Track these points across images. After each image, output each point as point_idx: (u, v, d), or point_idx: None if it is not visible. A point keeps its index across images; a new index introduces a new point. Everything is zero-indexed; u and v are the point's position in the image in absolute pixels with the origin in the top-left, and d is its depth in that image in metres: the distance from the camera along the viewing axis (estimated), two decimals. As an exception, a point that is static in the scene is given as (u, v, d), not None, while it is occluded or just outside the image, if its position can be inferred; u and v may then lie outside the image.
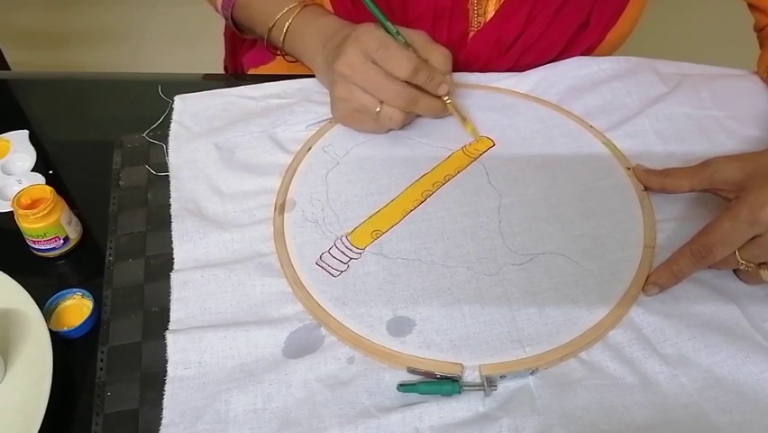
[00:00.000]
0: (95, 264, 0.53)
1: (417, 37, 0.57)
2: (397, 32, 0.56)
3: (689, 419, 0.43)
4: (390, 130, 0.59)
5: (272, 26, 0.65)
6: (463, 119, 0.59)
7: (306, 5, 0.64)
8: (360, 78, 0.54)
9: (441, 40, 0.64)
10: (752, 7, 0.69)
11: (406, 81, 0.54)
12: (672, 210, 0.54)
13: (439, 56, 0.56)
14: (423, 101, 0.56)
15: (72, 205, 0.54)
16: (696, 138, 0.61)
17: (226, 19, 0.71)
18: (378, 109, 0.55)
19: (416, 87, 0.55)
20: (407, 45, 0.56)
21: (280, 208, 0.54)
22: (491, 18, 0.64)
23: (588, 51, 0.68)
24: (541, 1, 0.63)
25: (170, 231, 0.53)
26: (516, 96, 0.63)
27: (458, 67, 0.67)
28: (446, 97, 0.57)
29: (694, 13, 1.87)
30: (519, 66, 0.67)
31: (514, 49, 0.65)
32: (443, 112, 0.58)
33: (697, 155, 0.56)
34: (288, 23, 0.64)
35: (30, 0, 1.94)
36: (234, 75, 0.86)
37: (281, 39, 0.65)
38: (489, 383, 0.44)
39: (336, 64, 0.55)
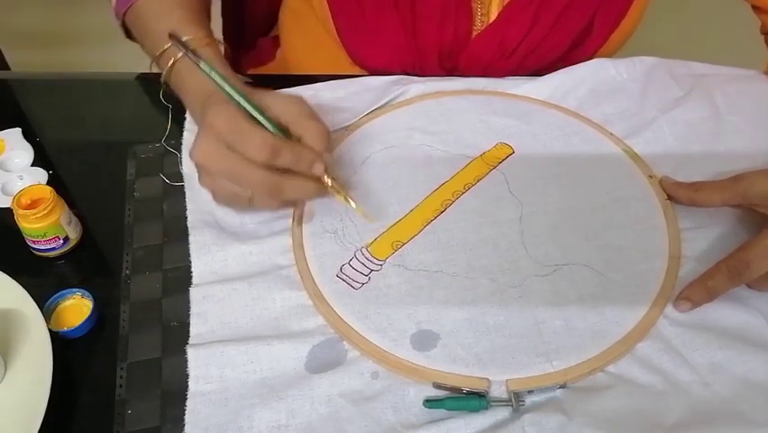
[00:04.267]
0: (95, 264, 0.53)
1: (292, 108, 0.49)
2: (256, 108, 0.48)
3: (725, 418, 0.43)
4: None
5: (161, 53, 0.57)
6: (347, 198, 0.51)
7: (207, 44, 0.57)
8: (217, 168, 0.48)
9: (446, 39, 0.64)
10: (757, 10, 0.68)
11: (270, 167, 0.47)
12: (697, 219, 0.54)
13: (314, 133, 0.49)
14: (289, 187, 0.48)
15: (72, 205, 0.53)
16: (715, 143, 0.60)
17: (117, 18, 0.63)
18: (249, 195, 0.49)
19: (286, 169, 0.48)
20: (270, 122, 0.48)
21: (298, 219, 0.53)
22: (494, 20, 0.64)
23: (591, 54, 0.67)
24: (545, 3, 0.62)
25: (187, 243, 0.52)
26: (535, 102, 0.63)
27: (459, 69, 0.67)
28: (327, 179, 0.50)
29: (692, 14, 1.87)
30: (522, 69, 0.66)
31: (517, 52, 0.65)
32: (317, 194, 0.50)
33: (716, 161, 0.56)
34: (178, 56, 0.56)
35: (30, 0, 1.93)
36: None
37: (168, 69, 0.57)
38: (516, 399, 0.44)
39: (192, 155, 0.49)
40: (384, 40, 0.64)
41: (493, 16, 0.64)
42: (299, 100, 0.50)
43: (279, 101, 0.50)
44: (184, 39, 0.54)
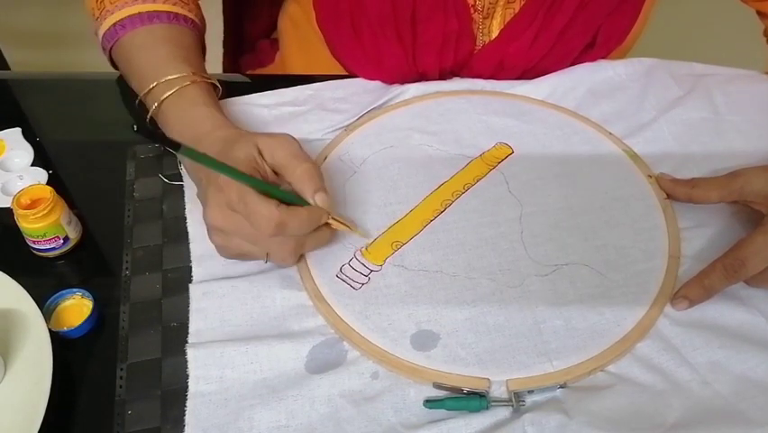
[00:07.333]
0: (95, 264, 0.53)
1: (280, 151, 0.48)
2: (257, 182, 0.47)
3: (725, 417, 0.43)
4: None
5: (147, 92, 0.56)
6: (350, 226, 0.51)
7: (193, 82, 0.55)
8: (233, 229, 0.47)
9: (447, 62, 0.64)
10: (761, 15, 0.68)
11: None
12: (696, 218, 0.54)
13: (302, 174, 0.48)
14: (309, 241, 0.49)
15: (72, 205, 0.54)
16: (714, 143, 0.60)
17: (104, 51, 0.62)
18: (266, 253, 0.48)
19: None
20: (274, 190, 0.47)
21: (298, 219, 0.53)
22: (495, 38, 0.63)
23: None
24: (546, 22, 0.61)
25: (187, 243, 0.52)
26: (534, 102, 0.63)
27: None
28: (331, 220, 0.49)
29: (693, 14, 1.87)
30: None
31: (516, 69, 0.64)
32: (331, 237, 0.51)
33: (715, 160, 0.56)
34: (163, 97, 0.54)
35: (30, 0, 1.93)
36: (233, 75, 0.84)
37: (153, 110, 0.56)
38: (516, 399, 0.44)
39: (204, 215, 0.48)
40: (383, 64, 0.64)
41: (494, 34, 0.63)
42: (286, 140, 0.49)
43: (267, 147, 0.48)
44: (169, 77, 0.54)
